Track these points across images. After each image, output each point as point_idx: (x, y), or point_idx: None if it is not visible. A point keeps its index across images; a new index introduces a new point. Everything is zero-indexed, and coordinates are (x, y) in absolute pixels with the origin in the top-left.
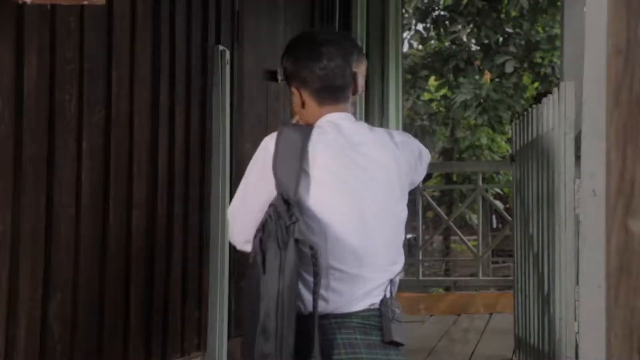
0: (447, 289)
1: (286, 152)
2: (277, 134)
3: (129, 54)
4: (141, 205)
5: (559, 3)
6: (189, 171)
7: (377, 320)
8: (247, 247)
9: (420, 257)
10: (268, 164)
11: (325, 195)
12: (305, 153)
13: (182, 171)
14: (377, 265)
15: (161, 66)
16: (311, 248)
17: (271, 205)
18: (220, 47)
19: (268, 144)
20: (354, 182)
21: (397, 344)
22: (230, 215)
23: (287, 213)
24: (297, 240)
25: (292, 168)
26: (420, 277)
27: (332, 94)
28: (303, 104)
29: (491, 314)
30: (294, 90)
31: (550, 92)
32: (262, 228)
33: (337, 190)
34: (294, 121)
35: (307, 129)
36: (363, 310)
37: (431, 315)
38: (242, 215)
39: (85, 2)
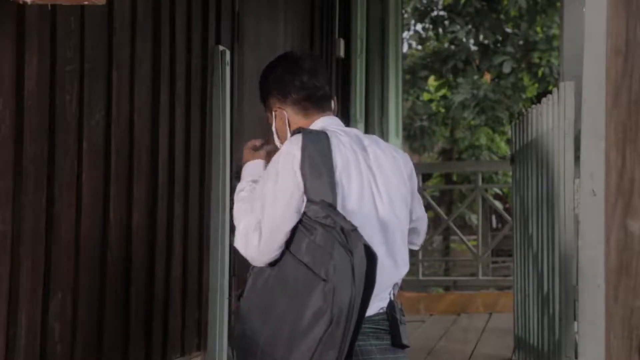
0: (447, 288)
1: (316, 158)
2: (302, 140)
3: (129, 54)
4: (141, 205)
5: (558, 4)
6: (189, 171)
7: (386, 324)
8: (271, 258)
9: (420, 257)
10: (297, 171)
11: (350, 200)
12: (333, 159)
13: (182, 171)
14: (388, 270)
15: (161, 66)
16: (373, 254)
17: (312, 211)
18: (220, 47)
19: (292, 151)
20: (372, 186)
21: (403, 346)
22: (250, 227)
23: (343, 219)
24: (366, 246)
25: (327, 175)
26: (420, 277)
27: (317, 103)
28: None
29: (491, 313)
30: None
31: (550, 93)
32: (307, 235)
33: (359, 194)
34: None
35: (324, 134)
36: (374, 315)
37: (431, 315)
38: (276, 223)
39: (86, 2)
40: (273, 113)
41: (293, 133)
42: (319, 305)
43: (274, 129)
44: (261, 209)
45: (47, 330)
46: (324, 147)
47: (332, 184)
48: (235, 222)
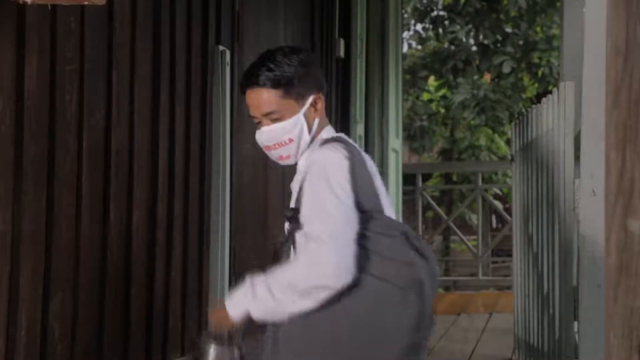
0: (447, 288)
1: (360, 167)
2: (345, 148)
3: (129, 54)
4: (141, 205)
5: (558, 3)
6: (189, 171)
7: None
8: (350, 275)
9: None
10: (349, 180)
11: (384, 207)
12: (368, 167)
13: (182, 171)
14: None
15: (161, 66)
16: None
17: (368, 222)
18: (220, 47)
19: (338, 159)
20: (384, 192)
21: None
22: (335, 249)
23: (399, 225)
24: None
25: (371, 183)
26: None
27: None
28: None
29: (491, 313)
30: (312, 97)
31: (550, 93)
32: (370, 247)
33: (387, 200)
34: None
35: (348, 142)
36: None
37: None
38: (351, 239)
39: (86, 2)
40: (307, 100)
41: (326, 141)
42: (408, 314)
43: (302, 115)
44: (320, 221)
45: (47, 330)
46: (361, 155)
47: (376, 191)
48: (288, 288)
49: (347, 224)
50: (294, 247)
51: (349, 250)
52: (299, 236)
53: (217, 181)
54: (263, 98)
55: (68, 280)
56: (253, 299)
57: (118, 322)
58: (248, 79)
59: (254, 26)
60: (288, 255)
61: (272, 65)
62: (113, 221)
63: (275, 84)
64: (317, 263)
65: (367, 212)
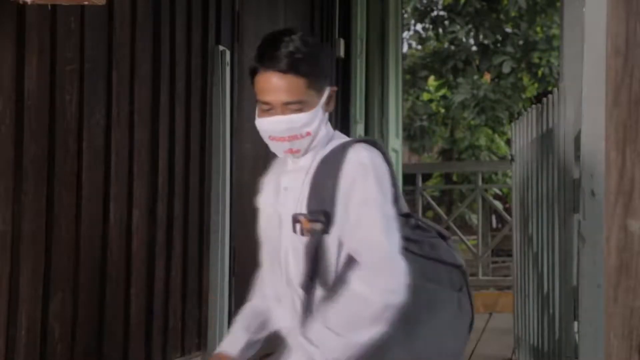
0: None
1: (389, 169)
2: (379, 150)
3: (129, 54)
4: (141, 205)
5: (558, 3)
6: (189, 171)
7: None
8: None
9: None
10: (390, 182)
11: None
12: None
13: (182, 171)
14: None
15: (161, 66)
16: None
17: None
18: (220, 47)
19: (378, 161)
20: None
21: None
22: (391, 262)
23: (433, 225)
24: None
25: (396, 185)
26: None
27: None
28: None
29: (491, 313)
30: (328, 89)
31: (551, 93)
32: (418, 250)
33: None
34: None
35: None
36: None
37: None
38: (399, 246)
39: (86, 2)
40: (325, 92)
41: (353, 142)
42: (463, 317)
43: (321, 107)
44: (370, 228)
45: (47, 330)
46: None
47: (402, 194)
48: (353, 317)
49: (394, 230)
50: (323, 254)
51: (399, 258)
52: (331, 242)
53: (217, 181)
54: (286, 85)
55: (68, 280)
56: (318, 349)
57: (118, 322)
58: (270, 61)
59: (254, 26)
60: (314, 257)
61: (292, 49)
62: (113, 221)
63: (301, 71)
64: (377, 273)
65: (404, 215)
